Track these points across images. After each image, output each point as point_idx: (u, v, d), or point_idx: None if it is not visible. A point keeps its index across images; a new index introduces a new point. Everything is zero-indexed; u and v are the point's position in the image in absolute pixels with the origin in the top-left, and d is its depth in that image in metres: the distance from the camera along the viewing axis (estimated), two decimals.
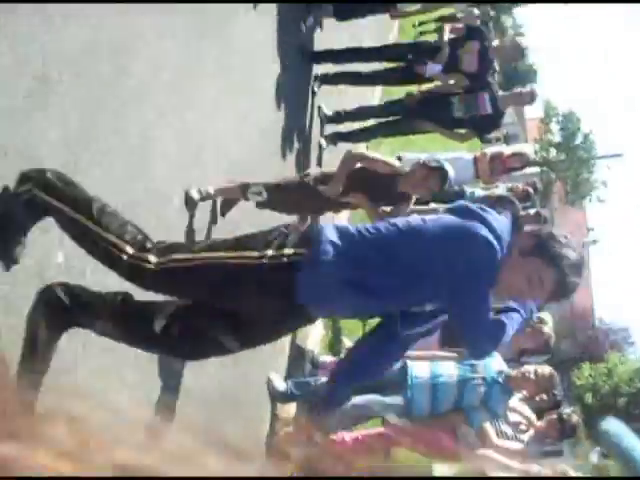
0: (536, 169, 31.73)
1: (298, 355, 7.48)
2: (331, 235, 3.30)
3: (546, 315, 8.15)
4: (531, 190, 9.33)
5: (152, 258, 3.27)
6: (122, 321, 3.45)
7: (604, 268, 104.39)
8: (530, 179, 11.08)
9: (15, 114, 3.31)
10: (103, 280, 3.99)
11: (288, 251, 3.27)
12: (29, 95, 3.42)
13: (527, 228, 3.62)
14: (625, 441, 3.17)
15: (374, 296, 3.34)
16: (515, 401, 6.55)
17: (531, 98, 8.85)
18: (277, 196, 5.69)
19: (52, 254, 3.63)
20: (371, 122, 9.30)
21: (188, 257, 3.33)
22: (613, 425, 3.04)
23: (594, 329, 38.18)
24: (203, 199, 5.47)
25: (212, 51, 5.80)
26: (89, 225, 3.22)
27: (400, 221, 3.42)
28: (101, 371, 4.00)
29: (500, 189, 9.51)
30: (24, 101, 3.38)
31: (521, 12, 32.37)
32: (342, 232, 3.35)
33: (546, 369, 6.57)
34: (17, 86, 3.34)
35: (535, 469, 5.90)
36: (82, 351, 3.81)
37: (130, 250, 3.26)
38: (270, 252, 3.28)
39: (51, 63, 3.60)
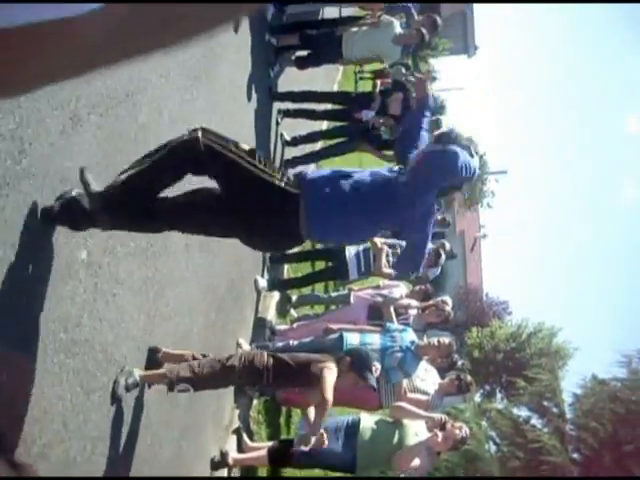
0: None
1: (260, 324, 7.52)
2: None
3: (447, 297, 8.29)
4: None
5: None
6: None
7: (492, 256, 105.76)
8: None
9: (53, 146, 3.29)
10: (116, 270, 4.00)
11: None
12: (63, 131, 3.40)
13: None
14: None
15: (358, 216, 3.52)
16: (424, 364, 6.66)
17: (436, 125, 9.01)
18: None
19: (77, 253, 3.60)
20: (320, 145, 9.39)
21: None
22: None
23: (482, 302, 38.66)
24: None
25: (202, 90, 5.78)
26: None
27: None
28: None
29: None
30: (60, 136, 3.36)
31: (434, 61, 32.39)
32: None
33: (446, 339, 6.69)
34: (55, 124, 3.31)
35: (437, 417, 6.02)
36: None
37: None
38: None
39: (81, 106, 3.57)
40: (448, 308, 7.65)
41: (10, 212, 2.96)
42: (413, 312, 7.54)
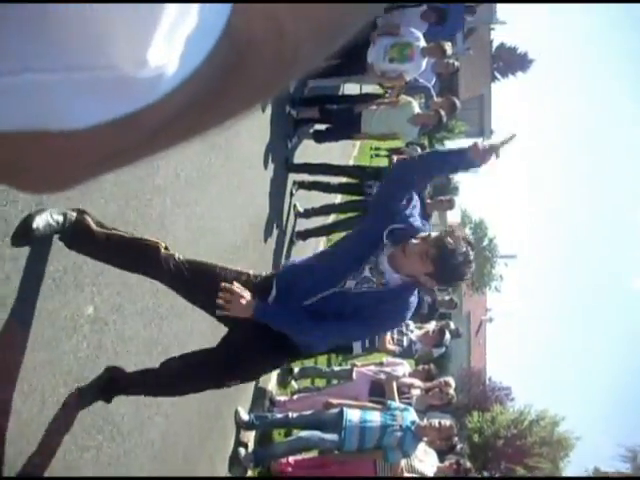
0: None
1: (260, 394, 7.43)
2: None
3: (450, 379, 8.21)
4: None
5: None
6: None
7: (497, 340, 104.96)
8: None
9: (69, 200, 3.32)
10: (121, 328, 3.99)
11: None
12: (80, 187, 3.42)
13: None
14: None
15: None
16: (424, 446, 6.56)
17: (450, 206, 9.10)
18: None
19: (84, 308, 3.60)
20: (332, 218, 9.44)
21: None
22: None
23: (484, 386, 38.19)
24: None
25: (220, 156, 5.85)
26: None
27: None
28: None
29: None
30: (77, 192, 3.39)
31: (449, 143, 32.78)
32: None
33: (447, 422, 6.60)
34: None
35: None
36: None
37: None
38: None
39: None
40: (451, 391, 7.56)
41: (22, 262, 2.98)
42: (416, 392, 7.45)
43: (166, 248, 3.44)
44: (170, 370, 3.57)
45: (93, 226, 3.33)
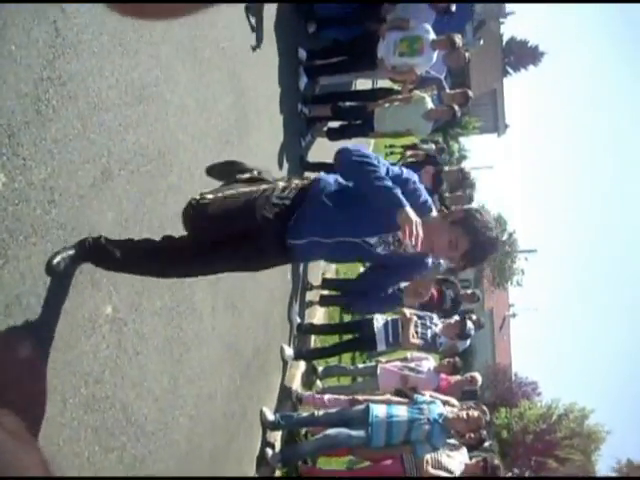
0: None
1: (285, 394, 7.38)
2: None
3: (477, 374, 8.10)
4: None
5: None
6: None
7: (521, 335, 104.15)
8: None
9: (83, 199, 3.29)
10: (141, 328, 3.95)
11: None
12: (93, 184, 3.40)
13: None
14: None
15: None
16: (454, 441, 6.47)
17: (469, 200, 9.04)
18: None
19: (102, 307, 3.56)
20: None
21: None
22: None
23: (511, 382, 37.94)
24: None
25: (233, 154, 5.79)
26: None
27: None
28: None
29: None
30: (90, 189, 3.36)
31: (464, 140, 32.65)
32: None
33: (475, 412, 6.48)
34: (86, 177, 3.32)
35: None
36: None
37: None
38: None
39: (113, 162, 3.59)
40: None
41: (37, 261, 2.94)
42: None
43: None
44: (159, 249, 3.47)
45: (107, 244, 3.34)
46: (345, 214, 3.24)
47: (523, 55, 47.86)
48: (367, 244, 3.27)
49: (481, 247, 3.18)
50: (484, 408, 6.82)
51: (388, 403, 6.55)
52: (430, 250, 3.25)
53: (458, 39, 8.07)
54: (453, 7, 8.10)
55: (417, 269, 3.49)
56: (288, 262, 3.82)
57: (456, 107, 8.13)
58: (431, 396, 6.86)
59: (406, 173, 3.27)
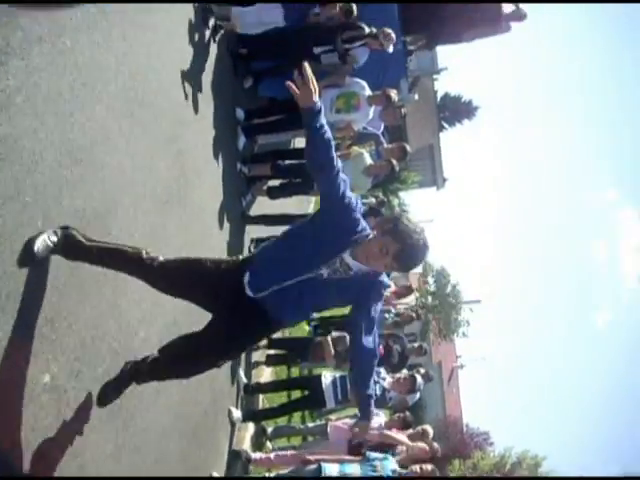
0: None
1: (234, 457, 7.22)
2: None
3: (428, 427, 8.05)
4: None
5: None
6: None
7: (471, 385, 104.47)
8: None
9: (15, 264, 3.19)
10: (82, 397, 3.81)
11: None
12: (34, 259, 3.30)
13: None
14: None
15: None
16: None
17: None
18: None
19: None
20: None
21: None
22: None
23: (462, 433, 37.84)
24: None
25: (173, 214, 5.75)
26: None
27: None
28: None
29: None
30: (34, 265, 3.26)
31: (403, 195, 33.02)
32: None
33: (429, 466, 6.45)
34: (20, 242, 3.23)
35: None
36: None
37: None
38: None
39: (48, 225, 3.50)
40: (435, 445, 7.47)
41: None
42: (402, 448, 7.34)
43: (147, 253, 3.77)
44: (169, 357, 3.93)
45: (81, 238, 3.64)
46: (294, 251, 3.61)
47: (457, 110, 48.97)
48: (320, 275, 3.56)
49: (410, 248, 3.39)
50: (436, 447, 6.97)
51: (340, 462, 6.45)
52: (365, 260, 3.51)
53: (394, 94, 8.23)
54: (390, 48, 8.14)
55: (373, 289, 3.78)
56: (268, 322, 3.81)
57: (394, 162, 8.23)
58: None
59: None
